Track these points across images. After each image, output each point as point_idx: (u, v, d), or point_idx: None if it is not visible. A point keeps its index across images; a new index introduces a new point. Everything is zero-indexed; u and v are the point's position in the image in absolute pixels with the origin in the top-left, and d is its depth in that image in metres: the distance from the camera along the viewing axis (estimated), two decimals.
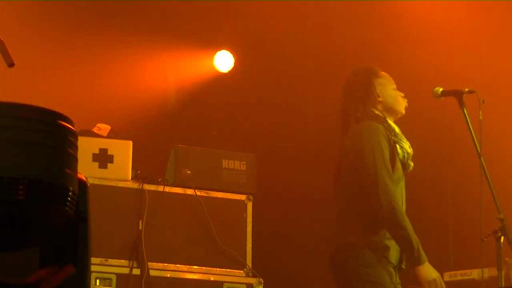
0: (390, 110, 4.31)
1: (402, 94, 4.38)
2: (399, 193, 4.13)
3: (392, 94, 4.34)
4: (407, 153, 4.23)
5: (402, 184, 4.20)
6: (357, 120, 4.22)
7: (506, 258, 4.81)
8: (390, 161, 4.10)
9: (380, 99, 4.30)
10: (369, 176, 4.05)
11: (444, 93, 4.23)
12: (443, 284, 3.99)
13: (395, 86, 4.38)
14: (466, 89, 4.15)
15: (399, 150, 4.19)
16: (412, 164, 4.27)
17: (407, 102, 4.38)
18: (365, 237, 4.08)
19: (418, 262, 3.96)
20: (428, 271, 3.96)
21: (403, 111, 4.35)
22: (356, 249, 4.06)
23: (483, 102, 4.07)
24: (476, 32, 6.49)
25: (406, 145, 4.26)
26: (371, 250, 4.05)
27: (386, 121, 4.23)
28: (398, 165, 4.15)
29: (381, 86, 4.34)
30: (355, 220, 4.12)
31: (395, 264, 4.11)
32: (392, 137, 4.18)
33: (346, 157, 4.19)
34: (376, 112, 4.25)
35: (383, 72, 4.43)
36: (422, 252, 3.97)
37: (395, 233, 4.01)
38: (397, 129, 4.27)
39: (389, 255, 4.07)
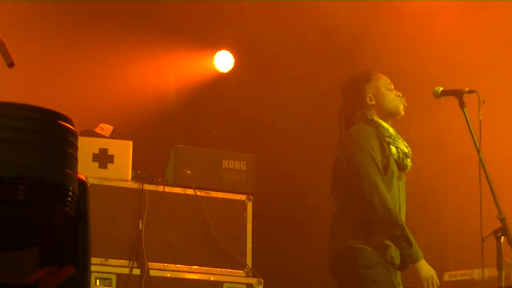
0: (385, 112, 4.34)
1: (400, 94, 4.38)
2: (395, 194, 4.16)
3: (386, 96, 4.35)
4: (403, 152, 4.25)
5: (399, 183, 4.23)
6: (348, 126, 4.29)
7: (506, 258, 4.80)
8: (383, 163, 4.13)
9: (373, 102, 4.34)
10: (361, 180, 4.07)
11: (444, 93, 4.23)
12: (437, 280, 4.06)
13: (391, 87, 4.39)
14: (466, 89, 4.15)
15: (393, 151, 4.22)
16: (409, 163, 4.29)
17: (407, 101, 4.39)
18: (362, 239, 4.09)
19: (416, 259, 4.02)
20: (425, 267, 4.03)
21: (401, 112, 4.35)
22: (354, 252, 4.08)
23: (483, 102, 4.07)
24: (476, 32, 6.49)
25: (402, 145, 4.27)
26: (369, 251, 4.07)
27: (379, 123, 4.26)
28: (393, 166, 4.18)
29: (374, 89, 4.37)
30: (350, 224, 4.15)
31: (395, 263, 4.12)
32: (387, 138, 4.21)
33: (339, 162, 4.24)
34: (368, 115, 4.28)
35: (379, 74, 4.44)
36: (418, 249, 4.04)
37: (392, 233, 4.04)
38: (391, 130, 4.28)
39: (387, 255, 4.09)
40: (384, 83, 4.39)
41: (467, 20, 6.53)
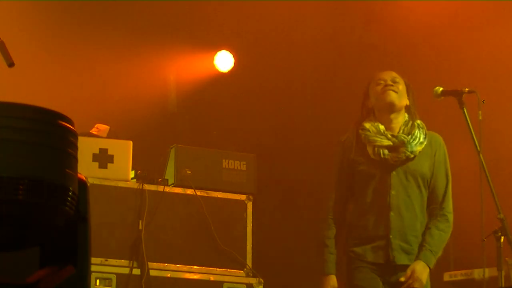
0: (379, 108, 4.31)
1: (383, 83, 4.28)
2: (378, 194, 4.20)
3: (374, 93, 4.32)
4: (384, 146, 4.19)
5: (391, 179, 4.20)
6: None
7: (506, 258, 4.81)
8: (353, 165, 4.26)
9: (372, 104, 4.34)
10: None
11: (444, 93, 4.23)
12: None
13: (380, 81, 4.31)
14: (466, 89, 4.15)
15: (369, 151, 4.22)
16: (400, 153, 4.19)
17: None
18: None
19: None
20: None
21: (388, 100, 4.24)
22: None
23: (483, 102, 4.07)
24: (476, 31, 6.49)
25: (381, 139, 4.21)
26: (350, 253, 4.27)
27: (362, 126, 4.27)
28: (368, 170, 4.22)
29: (371, 90, 4.36)
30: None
31: (375, 262, 4.16)
32: (366, 140, 4.25)
33: None
34: (365, 122, 4.31)
35: (376, 72, 4.40)
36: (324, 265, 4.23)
37: None
38: (372, 128, 4.24)
39: (363, 257, 4.18)
40: (375, 80, 4.34)
41: (467, 20, 6.53)
